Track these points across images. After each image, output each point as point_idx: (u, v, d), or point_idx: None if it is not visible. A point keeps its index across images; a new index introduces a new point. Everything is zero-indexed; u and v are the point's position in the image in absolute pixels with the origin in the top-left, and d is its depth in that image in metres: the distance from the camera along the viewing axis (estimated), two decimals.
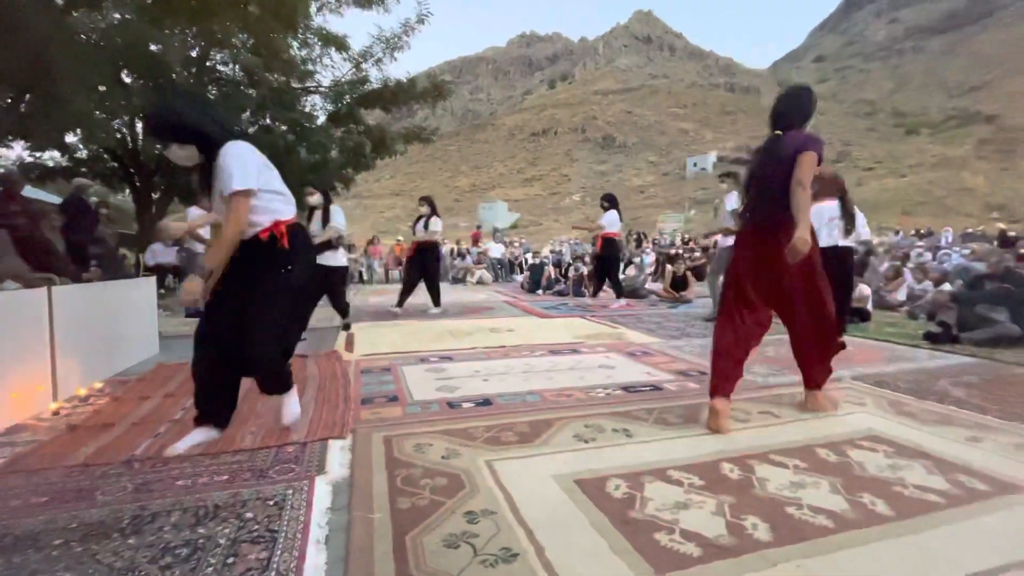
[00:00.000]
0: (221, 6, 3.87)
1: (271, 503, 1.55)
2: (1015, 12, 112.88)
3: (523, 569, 1.24)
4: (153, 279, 4.29)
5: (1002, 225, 14.08)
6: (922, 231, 15.27)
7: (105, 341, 3.22)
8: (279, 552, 1.29)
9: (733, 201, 5.10)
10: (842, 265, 4.11)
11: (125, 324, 3.54)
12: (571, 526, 1.43)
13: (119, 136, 9.45)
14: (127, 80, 9.00)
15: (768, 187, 2.27)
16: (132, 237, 11.81)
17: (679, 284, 7.09)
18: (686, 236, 17.61)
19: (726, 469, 1.80)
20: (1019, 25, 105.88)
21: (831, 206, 4.22)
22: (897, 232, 14.71)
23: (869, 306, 5.40)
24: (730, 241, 5.19)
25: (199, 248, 6.22)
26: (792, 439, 2.10)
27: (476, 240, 14.17)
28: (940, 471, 1.79)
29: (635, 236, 14.95)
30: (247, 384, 2.22)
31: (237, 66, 9.46)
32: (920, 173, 46.71)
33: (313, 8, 7.45)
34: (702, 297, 7.85)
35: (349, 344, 4.24)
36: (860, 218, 4.29)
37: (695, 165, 72.01)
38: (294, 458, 1.90)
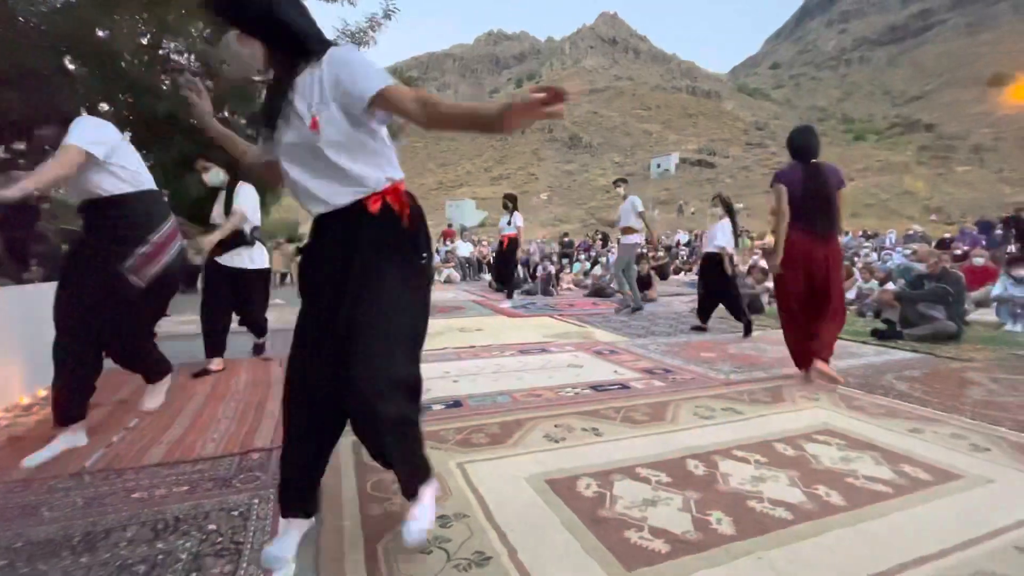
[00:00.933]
0: None
1: (235, 513, 1.50)
2: (951, 27, 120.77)
3: (496, 572, 1.24)
4: None
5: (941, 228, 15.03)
6: (868, 232, 16.18)
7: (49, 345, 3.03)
8: (244, 565, 1.26)
9: (639, 204, 5.95)
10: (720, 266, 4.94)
11: None
12: (543, 527, 1.45)
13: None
14: (71, 67, 8.49)
15: (827, 206, 3.03)
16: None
17: (643, 283, 7.24)
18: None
19: (691, 465, 1.86)
20: (955, 40, 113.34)
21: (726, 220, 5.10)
22: (846, 233, 15.58)
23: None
24: (634, 239, 5.96)
25: None
26: (752, 434, 2.18)
27: (448, 237, 14.06)
28: (887, 461, 1.91)
29: (600, 235, 15.17)
30: (209, 384, 2.13)
31: (192, 56, 9.05)
32: (867, 177, 49.30)
33: None
34: (666, 296, 8.05)
35: None
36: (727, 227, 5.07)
37: (658, 166, 73.66)
38: (259, 465, 1.84)
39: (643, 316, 6.04)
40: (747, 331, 4.63)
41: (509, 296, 7.17)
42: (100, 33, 7.62)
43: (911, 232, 13.26)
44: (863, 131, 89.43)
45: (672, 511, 1.54)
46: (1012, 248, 9.20)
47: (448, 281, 11.13)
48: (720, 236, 5.01)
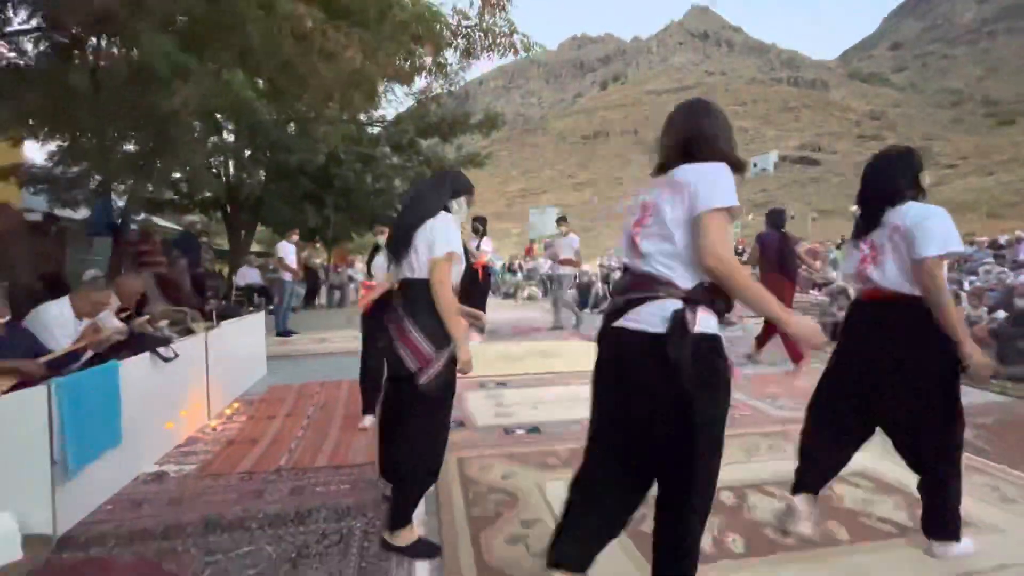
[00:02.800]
0: (309, 90, 4.67)
1: (384, 506, 2.21)
2: None
3: None
4: (262, 316, 5.18)
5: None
6: (1001, 241, 13.96)
7: (236, 367, 4.09)
8: None
9: (575, 243, 7.24)
10: None
11: (247, 352, 4.42)
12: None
13: (214, 173, 10.86)
14: (219, 120, 10.38)
15: None
16: (223, 253, 13.37)
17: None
18: (739, 247, 17.24)
19: (723, 495, 2.28)
20: None
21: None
22: (971, 243, 13.17)
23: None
24: (570, 270, 7.44)
25: (287, 277, 7.24)
26: (789, 470, 2.53)
27: (529, 254, 14.80)
28: (907, 506, 2.19)
29: None
30: (343, 405, 2.89)
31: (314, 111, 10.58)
32: (1012, 170, 42.67)
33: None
34: (749, 316, 8.04)
35: None
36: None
37: (755, 166, 69.29)
38: None
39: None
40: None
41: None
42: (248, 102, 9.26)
43: None
44: (1012, 114, 77.22)
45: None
46: None
47: (530, 298, 11.81)
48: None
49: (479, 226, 6.22)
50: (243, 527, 2.05)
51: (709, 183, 1.26)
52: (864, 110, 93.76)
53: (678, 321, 1.23)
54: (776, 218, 5.24)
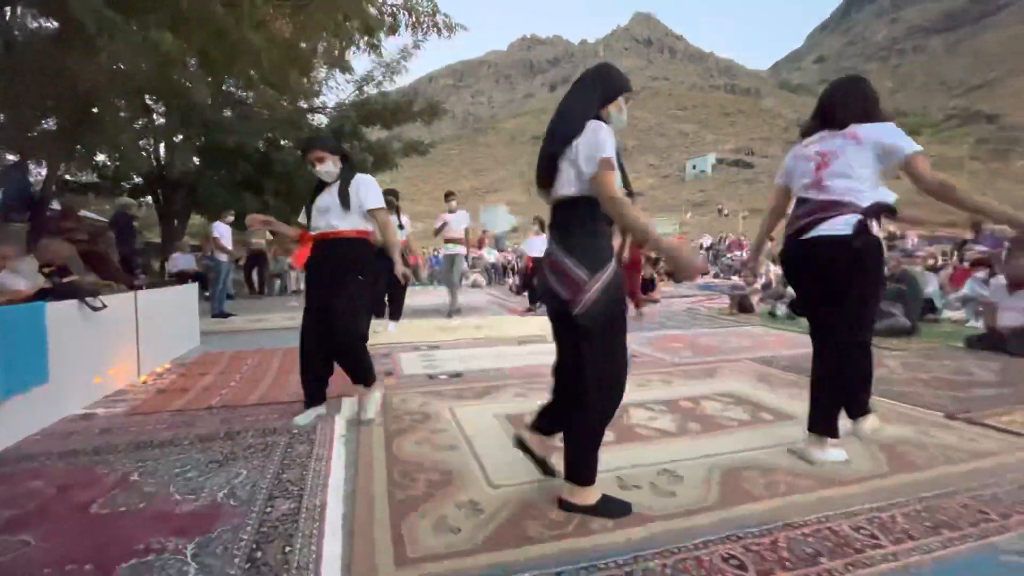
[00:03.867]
0: (241, 59, 4.70)
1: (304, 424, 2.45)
2: (1016, 11, 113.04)
3: (460, 452, 2.13)
4: (195, 286, 5.19)
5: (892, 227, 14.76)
6: (897, 233, 15.97)
7: (167, 334, 4.14)
8: (316, 447, 2.19)
9: (467, 219, 6.96)
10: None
11: (178, 321, 4.47)
12: (494, 436, 2.33)
13: (144, 155, 10.42)
14: (150, 102, 9.97)
15: None
16: (155, 245, 12.80)
17: (647, 286, 7.95)
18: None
19: None
20: (1020, 24, 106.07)
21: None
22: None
23: None
24: (459, 249, 6.90)
25: (223, 257, 7.17)
26: (670, 395, 2.98)
27: (481, 244, 15.06)
28: (752, 410, 2.67)
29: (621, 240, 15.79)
30: (278, 363, 3.09)
31: (251, 92, 10.40)
32: None
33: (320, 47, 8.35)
34: (669, 297, 8.72)
35: None
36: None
37: (694, 167, 72.76)
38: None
39: (641, 313, 6.79)
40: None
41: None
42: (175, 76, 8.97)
43: (939, 233, 13.20)
44: (917, 125, 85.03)
45: None
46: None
47: (475, 286, 12.11)
48: (538, 246, 6.73)
49: (392, 200, 5.21)
50: (173, 444, 2.24)
51: (897, 135, 1.90)
52: (792, 117, 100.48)
53: (862, 225, 1.86)
54: None
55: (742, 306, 6.85)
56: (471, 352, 4.33)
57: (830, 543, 1.45)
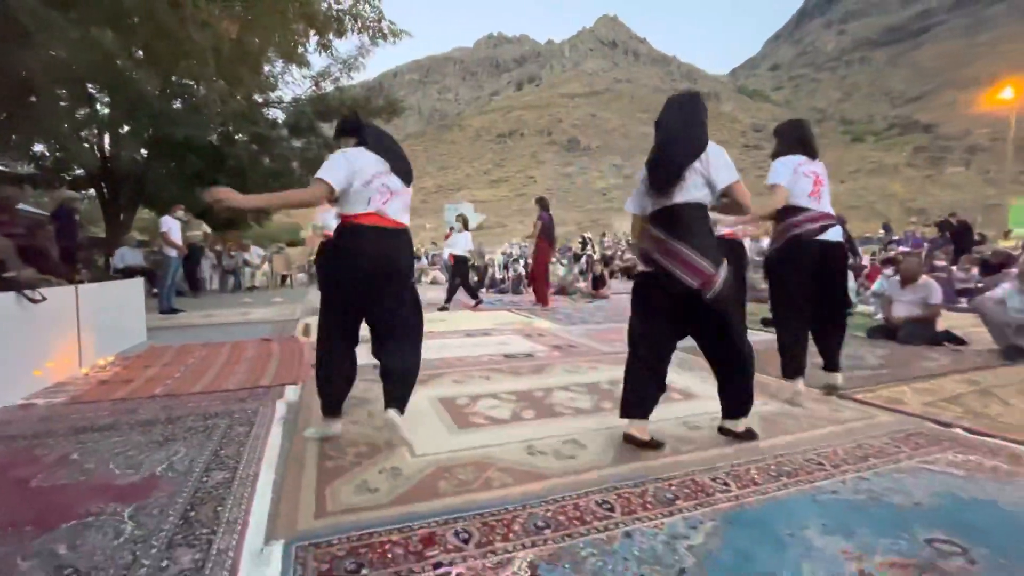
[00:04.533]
0: (186, 57, 4.69)
1: (250, 411, 2.60)
2: (950, 28, 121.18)
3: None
4: (141, 281, 5.16)
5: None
6: None
7: (110, 328, 4.15)
8: (256, 428, 2.35)
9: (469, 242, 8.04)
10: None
11: (123, 316, 4.46)
12: (425, 414, 2.54)
13: (87, 146, 10.03)
14: (92, 92, 9.61)
15: None
16: (100, 240, 12.31)
17: (597, 282, 8.32)
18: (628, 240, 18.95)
19: (537, 394, 2.94)
20: (954, 40, 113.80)
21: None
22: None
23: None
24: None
25: (172, 253, 7.08)
26: (593, 380, 3.26)
27: (447, 239, 15.16)
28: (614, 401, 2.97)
29: (580, 239, 16.27)
30: (225, 356, 3.21)
31: (200, 85, 10.19)
32: (857, 179, 50.44)
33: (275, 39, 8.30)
34: (618, 293, 9.13)
35: (305, 331, 5.25)
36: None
37: None
38: (264, 393, 2.94)
39: (588, 310, 7.13)
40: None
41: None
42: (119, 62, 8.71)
43: (867, 235, 14.33)
44: (862, 132, 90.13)
45: (505, 411, 2.62)
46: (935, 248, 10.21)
47: (434, 282, 12.24)
48: (460, 244, 7.54)
49: None
50: (114, 428, 2.35)
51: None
52: (749, 122, 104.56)
53: (846, 234, 2.94)
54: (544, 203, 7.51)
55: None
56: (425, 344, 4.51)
57: (688, 490, 1.74)
